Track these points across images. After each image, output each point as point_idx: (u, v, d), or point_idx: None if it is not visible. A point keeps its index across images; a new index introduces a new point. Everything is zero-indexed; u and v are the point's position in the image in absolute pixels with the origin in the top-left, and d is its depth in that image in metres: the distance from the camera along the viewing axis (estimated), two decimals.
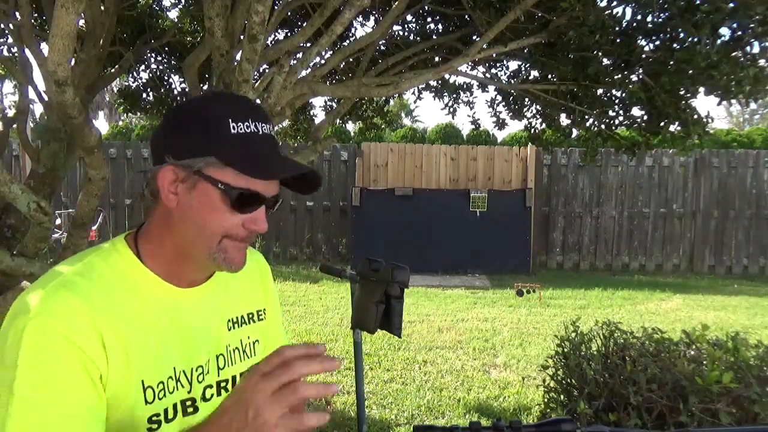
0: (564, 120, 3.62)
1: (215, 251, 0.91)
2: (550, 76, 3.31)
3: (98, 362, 0.83)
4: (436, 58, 3.75)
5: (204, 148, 0.87)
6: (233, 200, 0.88)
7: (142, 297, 0.91)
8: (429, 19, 3.71)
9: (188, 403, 0.95)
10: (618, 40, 2.70)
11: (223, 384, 1.02)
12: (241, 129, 0.88)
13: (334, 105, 4.31)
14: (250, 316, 1.09)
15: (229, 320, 1.05)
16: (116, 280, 0.90)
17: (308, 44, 3.00)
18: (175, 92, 4.33)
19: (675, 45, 2.62)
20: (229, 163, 0.87)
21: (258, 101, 2.37)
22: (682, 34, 2.55)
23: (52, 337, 0.80)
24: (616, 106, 3.21)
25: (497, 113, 3.90)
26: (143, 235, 0.96)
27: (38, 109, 17.13)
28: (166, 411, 0.92)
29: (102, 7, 2.76)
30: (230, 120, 0.88)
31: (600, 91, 3.16)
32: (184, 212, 0.90)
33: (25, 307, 0.83)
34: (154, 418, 0.90)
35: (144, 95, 4.31)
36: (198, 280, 0.99)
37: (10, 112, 3.48)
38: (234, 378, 1.04)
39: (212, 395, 0.99)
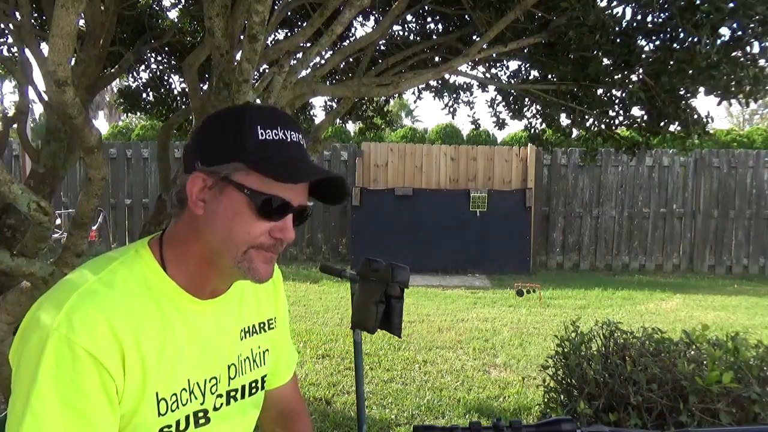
0: (564, 120, 3.62)
1: (240, 260, 0.89)
2: (550, 76, 3.31)
3: (116, 377, 0.83)
4: (436, 58, 3.75)
5: (231, 154, 0.87)
6: (259, 206, 0.87)
7: (163, 309, 0.90)
8: (429, 19, 3.71)
9: (200, 414, 0.95)
10: (618, 40, 2.70)
11: (232, 393, 1.01)
12: (269, 135, 0.88)
13: (334, 105, 4.30)
14: (262, 325, 1.09)
15: (242, 330, 1.04)
16: (139, 290, 0.89)
17: (308, 44, 3.00)
18: (175, 92, 4.33)
19: (675, 45, 2.62)
20: (255, 168, 0.86)
21: (258, 101, 2.37)
22: (682, 34, 2.54)
23: (74, 352, 0.80)
24: (616, 106, 3.21)
25: (497, 113, 3.90)
26: (168, 242, 0.95)
27: (38, 109, 17.14)
28: (178, 423, 0.92)
29: (102, 7, 2.75)
30: (258, 126, 0.87)
31: (600, 91, 3.16)
32: (210, 219, 0.89)
33: (49, 314, 0.82)
34: (166, 430, 0.90)
35: (144, 95, 4.31)
36: (219, 291, 0.99)
37: (10, 112, 3.48)
38: (243, 387, 1.03)
39: (221, 404, 0.99)
